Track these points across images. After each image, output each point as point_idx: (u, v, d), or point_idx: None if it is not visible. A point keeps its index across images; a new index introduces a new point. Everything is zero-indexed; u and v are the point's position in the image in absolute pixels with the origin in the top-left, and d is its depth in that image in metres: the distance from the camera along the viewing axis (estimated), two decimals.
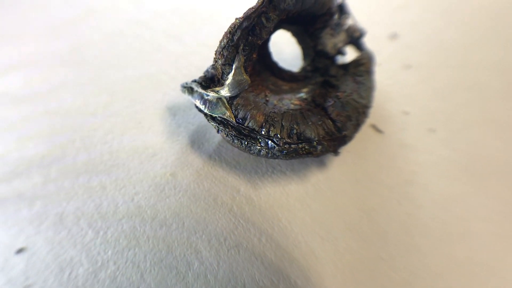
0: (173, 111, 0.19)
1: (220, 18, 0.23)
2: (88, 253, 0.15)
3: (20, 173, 0.16)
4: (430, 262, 0.15)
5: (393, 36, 0.21)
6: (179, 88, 0.19)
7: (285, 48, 0.21)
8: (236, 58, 0.16)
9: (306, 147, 0.16)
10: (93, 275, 0.14)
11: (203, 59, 0.20)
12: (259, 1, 0.15)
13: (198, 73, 0.20)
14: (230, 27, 0.16)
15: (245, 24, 0.15)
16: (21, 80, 0.19)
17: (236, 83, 0.16)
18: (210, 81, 0.18)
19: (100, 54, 0.20)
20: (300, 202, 0.17)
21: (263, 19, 0.15)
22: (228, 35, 0.16)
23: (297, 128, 0.16)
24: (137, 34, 0.21)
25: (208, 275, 0.15)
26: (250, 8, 0.15)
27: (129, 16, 0.22)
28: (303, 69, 0.20)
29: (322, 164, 0.18)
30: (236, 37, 0.15)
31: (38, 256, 0.14)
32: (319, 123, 0.17)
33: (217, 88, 0.17)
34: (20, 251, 0.14)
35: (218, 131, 0.18)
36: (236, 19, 0.16)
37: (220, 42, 0.16)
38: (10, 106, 0.18)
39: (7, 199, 0.15)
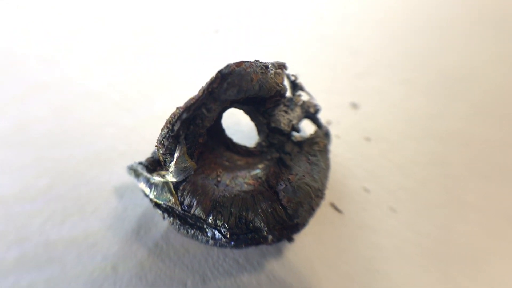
0: (120, 192, 0.18)
1: (175, 89, 0.22)
2: None
3: None
4: None
5: (354, 106, 0.21)
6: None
7: (242, 120, 0.20)
8: (177, 147, 0.15)
9: (256, 236, 0.15)
10: None
11: (157, 131, 0.19)
12: (199, 93, 0.14)
13: (151, 148, 0.19)
14: (170, 117, 0.15)
15: (184, 115, 0.14)
16: None
17: (179, 171, 0.15)
18: (157, 163, 0.17)
19: (47, 131, 0.19)
20: None
21: (204, 110, 0.15)
22: (168, 125, 0.15)
23: (246, 216, 0.15)
24: (87, 107, 0.20)
25: None
26: (190, 99, 0.15)
27: (80, 89, 0.21)
28: (259, 144, 0.19)
29: (277, 250, 0.16)
30: (176, 128, 0.15)
31: None
32: (269, 210, 0.16)
33: (163, 172, 0.16)
34: None
35: (163, 218, 0.16)
36: (177, 108, 0.15)
37: (161, 131, 0.15)
38: None
39: None
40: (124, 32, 0.26)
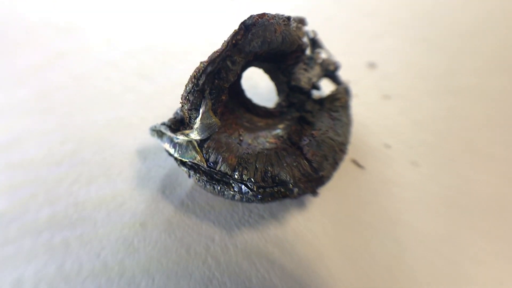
0: (143, 155, 0.18)
1: (194, 55, 0.22)
2: None
3: None
4: None
5: (371, 65, 0.21)
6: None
7: (260, 82, 0.21)
8: (202, 102, 0.15)
9: (282, 190, 0.15)
10: None
11: (176, 98, 0.19)
12: (223, 45, 0.15)
13: (171, 114, 0.19)
14: (194, 71, 0.15)
15: (209, 68, 0.14)
16: None
17: (204, 127, 0.15)
18: (180, 123, 0.17)
19: (68, 99, 0.19)
20: (279, 248, 0.16)
21: (229, 63, 0.15)
22: (193, 80, 0.15)
23: (271, 170, 0.15)
24: (107, 75, 0.20)
25: None
26: (214, 52, 0.15)
27: (99, 57, 0.21)
28: (278, 104, 0.19)
29: (301, 205, 0.17)
30: (201, 82, 0.15)
31: None
32: (294, 164, 0.16)
33: (186, 131, 0.16)
34: None
35: (189, 176, 0.17)
36: (201, 63, 0.15)
37: (186, 86, 0.15)
38: None
39: None
40: (141, 1, 0.25)
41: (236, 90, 0.19)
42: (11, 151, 0.17)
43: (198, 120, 0.15)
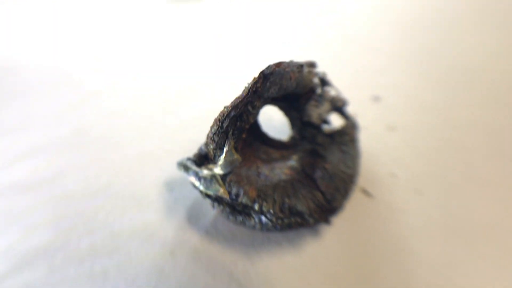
0: (170, 186, 0.20)
1: (213, 92, 0.24)
2: None
3: (26, 264, 0.17)
4: None
5: (376, 99, 0.22)
6: (176, 163, 0.20)
7: (274, 116, 0.22)
8: (226, 142, 0.17)
9: (298, 220, 0.17)
10: None
11: (198, 132, 0.21)
12: (245, 92, 0.16)
13: (194, 146, 0.21)
14: (219, 115, 0.17)
15: (233, 113, 0.16)
16: (29, 168, 0.20)
17: (227, 163, 0.17)
18: (204, 158, 0.19)
19: (102, 134, 0.21)
20: (297, 274, 0.17)
21: (249, 107, 0.17)
22: (217, 123, 0.17)
23: (288, 201, 0.17)
24: (135, 112, 0.22)
25: None
26: (236, 98, 0.17)
27: (128, 95, 0.23)
28: (292, 137, 0.21)
29: (316, 233, 0.18)
30: (225, 125, 0.16)
31: None
32: (310, 196, 0.17)
33: (210, 166, 0.18)
34: None
35: (213, 207, 0.18)
36: (224, 107, 0.17)
37: (211, 128, 0.17)
38: (17, 197, 0.19)
39: None
40: (161, 46, 0.28)
41: (253, 125, 0.21)
42: (54, 185, 0.19)
43: (222, 158, 0.17)
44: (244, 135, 0.18)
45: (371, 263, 0.17)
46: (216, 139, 0.17)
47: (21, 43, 0.27)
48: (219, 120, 0.17)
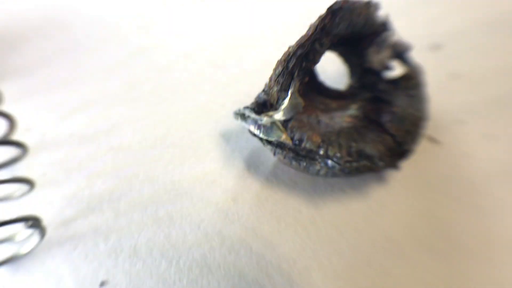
0: (226, 137, 0.20)
1: (261, 47, 0.23)
2: (165, 283, 0.15)
3: (93, 209, 0.17)
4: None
5: (436, 47, 0.21)
6: (229, 115, 0.20)
7: (328, 67, 0.21)
8: (291, 84, 0.16)
9: (368, 164, 0.16)
10: None
11: (249, 85, 0.21)
12: (312, 29, 0.16)
13: (246, 99, 0.20)
14: (284, 55, 0.16)
15: (299, 51, 0.16)
16: (85, 119, 0.20)
17: (291, 107, 0.17)
18: (262, 106, 0.19)
19: (153, 89, 0.21)
20: (365, 219, 0.17)
21: (317, 45, 0.16)
22: (283, 63, 0.16)
23: (356, 145, 0.16)
24: (185, 67, 0.22)
25: None
26: (303, 36, 0.16)
27: (176, 51, 0.23)
28: (350, 86, 0.20)
29: (382, 180, 0.18)
30: (291, 64, 0.16)
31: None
32: (378, 139, 0.17)
33: (270, 113, 0.18)
34: (103, 284, 0.15)
35: (274, 154, 0.18)
36: (289, 47, 0.16)
37: (275, 70, 0.17)
38: (77, 146, 0.19)
39: (85, 234, 0.16)
40: (208, 1, 0.27)
41: (310, 75, 0.20)
42: (111, 136, 0.19)
43: (286, 101, 0.17)
44: (307, 79, 0.17)
45: (443, 208, 0.17)
46: (281, 80, 0.16)
47: (69, 1, 0.26)
48: (284, 60, 0.16)
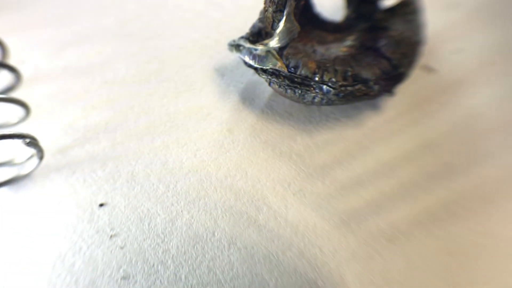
0: (220, 72, 0.19)
1: None
2: (163, 204, 0.16)
3: (89, 138, 0.17)
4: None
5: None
6: (224, 51, 0.19)
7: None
8: (287, 3, 0.16)
9: (363, 88, 0.16)
10: (170, 223, 0.15)
11: (243, 21, 0.20)
12: None
13: (239, 34, 0.20)
14: None
15: None
16: (78, 54, 0.20)
17: (287, 31, 0.16)
18: (257, 35, 0.18)
19: (146, 26, 0.21)
20: (359, 145, 0.17)
21: None
22: None
23: (351, 70, 0.16)
24: (178, 4, 0.21)
25: (278, 218, 0.15)
26: None
27: None
28: (347, 17, 0.20)
29: (376, 108, 0.18)
30: None
31: (119, 209, 0.15)
32: (374, 62, 0.16)
33: (265, 41, 0.17)
34: (102, 205, 0.15)
35: (269, 84, 0.18)
36: None
37: None
38: (71, 79, 0.19)
39: (82, 161, 0.16)
40: None
41: (306, 6, 0.20)
42: (105, 70, 0.19)
43: (282, 23, 0.16)
44: (302, 1, 0.17)
45: (437, 132, 0.17)
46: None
47: None
48: None
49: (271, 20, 0.16)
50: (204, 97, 0.19)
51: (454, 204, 0.15)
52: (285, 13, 0.16)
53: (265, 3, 0.16)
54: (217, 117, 0.18)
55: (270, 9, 0.16)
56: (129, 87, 0.19)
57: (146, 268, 0.14)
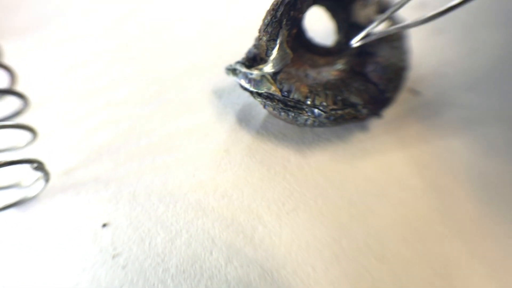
0: (218, 94, 0.20)
1: (251, 7, 0.24)
2: (162, 224, 0.16)
3: (93, 160, 0.18)
4: None
5: (421, 5, 0.21)
6: (221, 73, 0.20)
7: (316, 25, 0.22)
8: (279, 33, 0.17)
9: (352, 111, 0.17)
10: (170, 243, 0.16)
11: (240, 44, 0.21)
12: None
13: (236, 58, 0.21)
14: (272, 4, 0.17)
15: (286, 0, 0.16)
16: (82, 77, 0.21)
17: (280, 58, 0.17)
18: (252, 60, 0.19)
19: (147, 48, 0.22)
20: (349, 164, 0.18)
21: None
22: (271, 12, 0.17)
23: (341, 95, 0.17)
24: (177, 26, 0.22)
25: (273, 237, 0.16)
26: None
27: (168, 11, 0.23)
28: (337, 42, 0.21)
29: (365, 129, 0.19)
30: (279, 13, 0.16)
31: (121, 229, 0.16)
32: (363, 88, 0.17)
33: (260, 66, 0.18)
34: (105, 225, 0.16)
35: (264, 106, 0.19)
36: None
37: (264, 20, 0.17)
38: (76, 102, 0.20)
39: (86, 182, 0.17)
40: None
41: (299, 30, 0.21)
42: (108, 92, 0.20)
43: (275, 51, 0.17)
44: (294, 30, 0.18)
45: (424, 152, 0.18)
46: (269, 29, 0.17)
47: None
48: (273, 9, 0.17)
49: (265, 48, 0.17)
50: (202, 118, 0.20)
51: (441, 224, 0.16)
52: (278, 42, 0.17)
53: (259, 32, 0.17)
54: (215, 138, 0.19)
55: (264, 38, 0.17)
56: (131, 109, 0.20)
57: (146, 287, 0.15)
